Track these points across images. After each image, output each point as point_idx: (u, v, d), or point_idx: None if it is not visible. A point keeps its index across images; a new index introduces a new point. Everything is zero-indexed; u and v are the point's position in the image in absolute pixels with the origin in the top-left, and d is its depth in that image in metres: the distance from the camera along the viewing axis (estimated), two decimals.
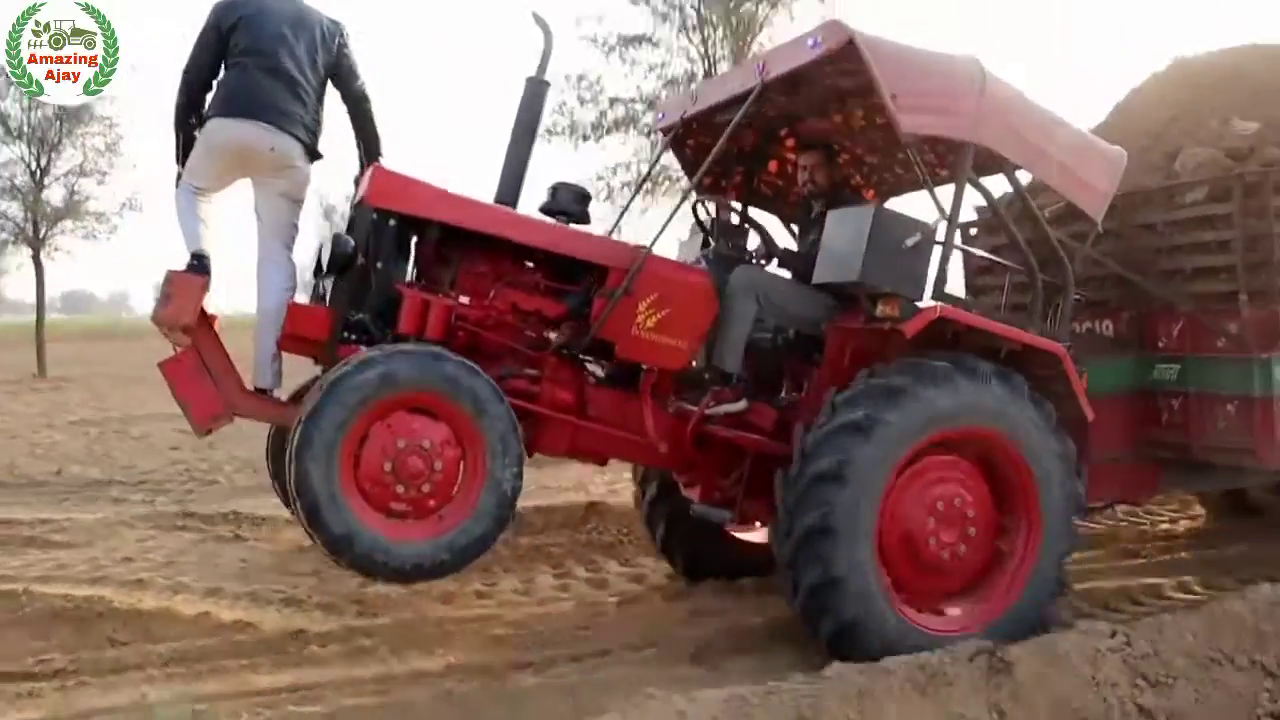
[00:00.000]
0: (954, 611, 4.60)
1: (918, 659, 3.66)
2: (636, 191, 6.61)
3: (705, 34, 20.02)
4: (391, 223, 4.35)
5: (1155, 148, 6.16)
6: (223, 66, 4.71)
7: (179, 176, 4.77)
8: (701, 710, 3.31)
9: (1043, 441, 4.53)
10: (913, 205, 6.20)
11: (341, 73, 4.94)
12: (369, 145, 4.99)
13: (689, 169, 5.98)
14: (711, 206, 5.52)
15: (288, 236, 4.82)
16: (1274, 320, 5.25)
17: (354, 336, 4.34)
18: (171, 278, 4.35)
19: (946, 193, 4.77)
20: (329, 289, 4.56)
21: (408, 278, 4.58)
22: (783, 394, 5.17)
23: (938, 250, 4.58)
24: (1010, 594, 4.53)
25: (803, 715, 3.35)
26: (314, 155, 4.83)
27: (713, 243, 5.35)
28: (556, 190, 4.87)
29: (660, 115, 6.11)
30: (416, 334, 4.25)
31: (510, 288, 4.61)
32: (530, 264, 4.75)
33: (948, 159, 5.44)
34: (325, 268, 4.31)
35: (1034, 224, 4.95)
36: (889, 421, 4.22)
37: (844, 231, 4.69)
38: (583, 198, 4.88)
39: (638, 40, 20.06)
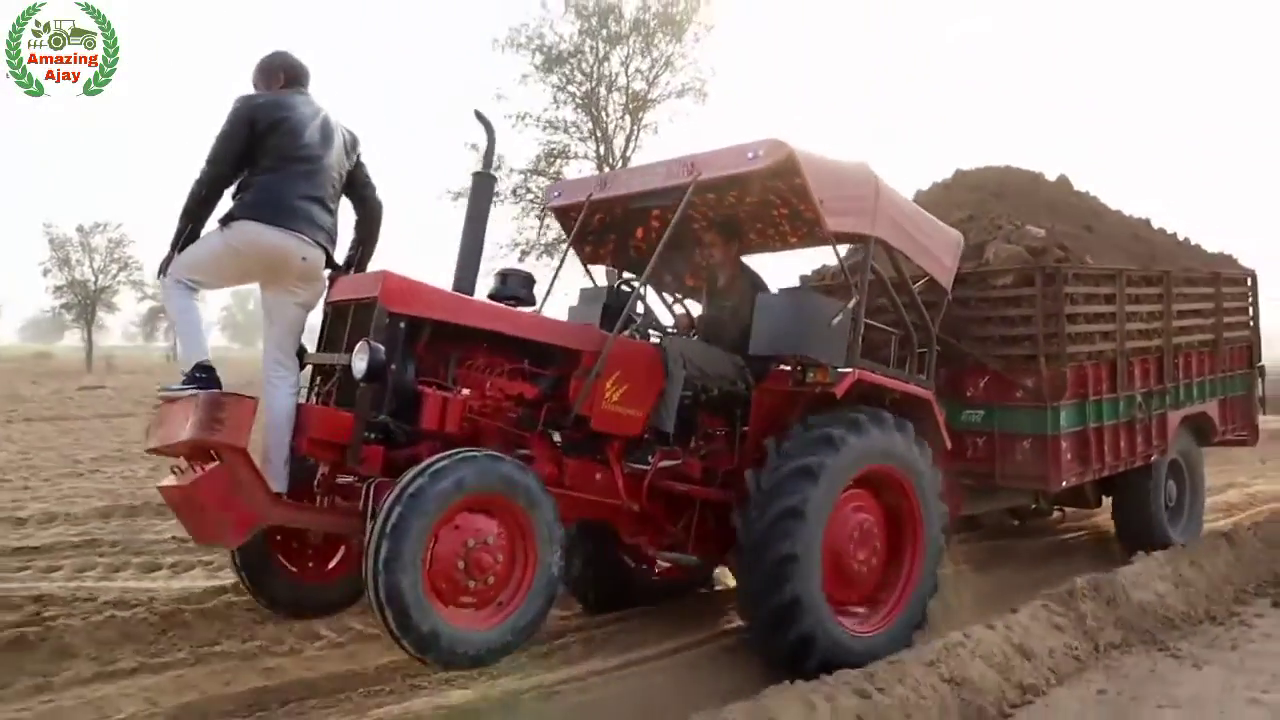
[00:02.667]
0: (863, 614, 5.62)
1: None
2: (561, 265, 7.40)
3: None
4: (403, 325, 4.56)
5: None
6: (250, 165, 4.68)
7: (167, 263, 4.65)
8: None
9: (926, 473, 5.80)
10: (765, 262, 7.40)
11: (359, 182, 5.18)
12: (368, 251, 5.33)
13: (578, 241, 6.71)
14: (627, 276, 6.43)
15: (297, 342, 5.01)
16: (1062, 378, 7.03)
17: (373, 436, 4.49)
18: (219, 401, 4.23)
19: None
20: (334, 392, 4.83)
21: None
22: (692, 444, 5.83)
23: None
24: (903, 597, 5.72)
25: None
26: (333, 265, 5.04)
27: (631, 312, 6.07)
28: (506, 277, 5.31)
29: (556, 193, 6.67)
30: (439, 430, 4.52)
31: (499, 376, 4.96)
32: (511, 353, 5.08)
33: (800, 230, 6.88)
34: (363, 376, 4.33)
35: (908, 296, 6.20)
36: (829, 466, 5.18)
37: (782, 311, 5.64)
38: (529, 282, 5.34)
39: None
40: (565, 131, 30.84)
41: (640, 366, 5.30)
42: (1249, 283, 9.66)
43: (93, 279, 59.67)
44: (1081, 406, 7.24)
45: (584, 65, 30.48)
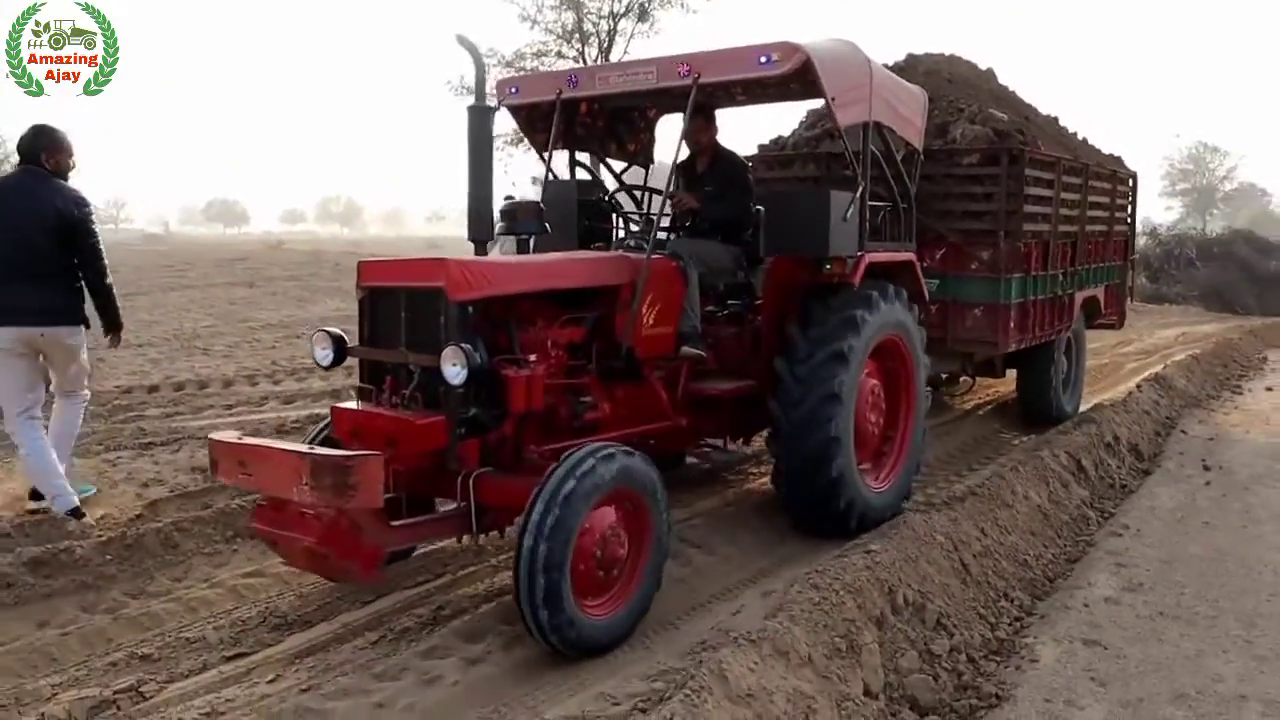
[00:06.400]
0: (872, 469, 6.00)
1: None
2: (549, 171, 6.96)
3: None
4: (470, 310, 4.33)
5: None
6: None
7: None
8: None
9: (916, 333, 6.23)
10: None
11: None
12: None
13: (544, 139, 6.31)
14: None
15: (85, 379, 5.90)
16: (1017, 252, 7.61)
17: (463, 430, 4.29)
18: (344, 465, 3.67)
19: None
20: (396, 390, 4.43)
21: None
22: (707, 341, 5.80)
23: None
24: (903, 449, 6.19)
25: None
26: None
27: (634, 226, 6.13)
28: (514, 213, 5.02)
29: (513, 90, 6.29)
30: (527, 410, 4.38)
31: (554, 329, 4.83)
32: (559, 302, 4.94)
33: (755, 94, 6.70)
34: (463, 383, 4.11)
35: (895, 168, 6.37)
36: (855, 346, 5.47)
37: (797, 212, 5.70)
38: (537, 212, 5.05)
39: None
40: (547, 30, 29.82)
41: (666, 282, 5.26)
42: (1130, 183, 10.55)
43: None
44: (1025, 280, 7.87)
45: None
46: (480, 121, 4.54)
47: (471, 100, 4.63)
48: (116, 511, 5.78)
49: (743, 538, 5.64)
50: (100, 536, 5.23)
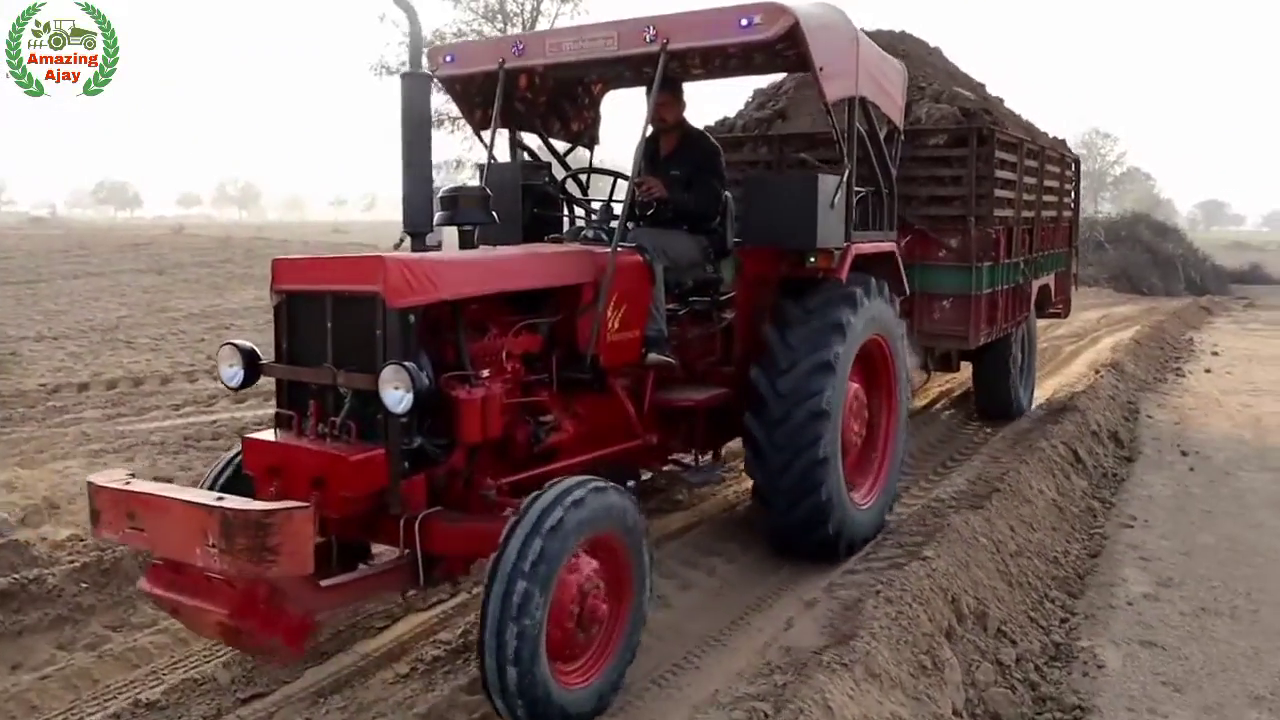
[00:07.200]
0: (853, 485, 5.33)
1: None
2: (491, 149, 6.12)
3: None
4: (412, 319, 3.55)
5: None
6: None
7: None
8: None
9: (898, 333, 5.64)
10: None
11: None
12: None
13: (482, 115, 5.66)
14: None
15: None
16: (988, 239, 7.18)
17: (408, 466, 3.52)
18: (262, 521, 2.92)
19: None
20: (321, 416, 3.60)
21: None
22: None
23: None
24: (885, 457, 5.60)
25: None
26: None
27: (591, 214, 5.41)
28: (455, 202, 4.21)
29: (448, 58, 5.49)
30: (482, 438, 3.68)
31: (506, 337, 4.08)
32: (512, 305, 4.22)
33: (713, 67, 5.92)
34: (406, 410, 3.35)
35: (877, 148, 5.66)
36: (842, 354, 4.87)
37: (784, 199, 5.04)
38: (484, 200, 4.26)
39: None
40: (469, 8, 28.72)
41: (632, 281, 4.57)
42: (1074, 167, 10.48)
43: None
44: (994, 269, 7.45)
45: None
46: (416, 91, 3.80)
47: (398, 77, 3.89)
48: (83, 531, 4.98)
49: (731, 549, 5.22)
50: (72, 562, 4.60)
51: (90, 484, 3.30)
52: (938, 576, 4.04)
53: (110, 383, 9.45)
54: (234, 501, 3.04)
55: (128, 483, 3.26)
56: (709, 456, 5.44)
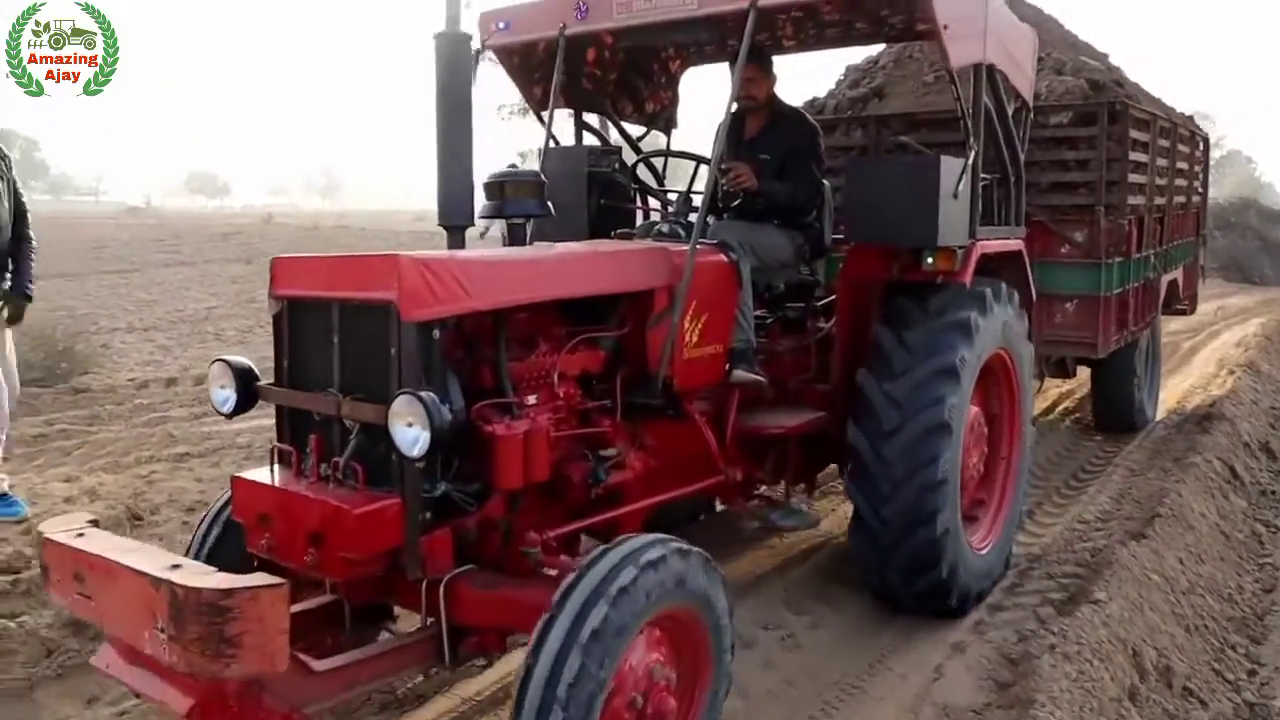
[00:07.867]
0: (975, 522, 4.62)
1: None
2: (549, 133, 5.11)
3: None
4: (436, 334, 2.89)
5: None
6: None
7: None
8: None
9: (1025, 353, 4.78)
10: None
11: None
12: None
13: (542, 91, 5.01)
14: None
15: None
16: (1121, 231, 6.30)
17: (429, 517, 2.86)
18: (224, 605, 2.23)
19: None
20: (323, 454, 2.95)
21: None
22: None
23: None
24: (1005, 499, 4.76)
25: None
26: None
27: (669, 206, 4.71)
28: (502, 189, 3.55)
29: (502, 25, 4.77)
30: (525, 483, 3.02)
31: (557, 354, 3.39)
32: (565, 314, 3.54)
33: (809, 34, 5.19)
34: (425, 454, 2.65)
35: (1006, 127, 4.83)
36: (969, 359, 4.13)
37: (898, 187, 4.28)
38: (538, 188, 3.60)
39: None
40: None
41: (714, 284, 3.88)
42: (1202, 147, 9.32)
43: None
44: (1125, 265, 6.55)
45: None
46: (453, 54, 3.16)
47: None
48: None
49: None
50: None
51: (40, 533, 2.68)
52: (1114, 625, 3.48)
53: (198, 378, 9.18)
54: (190, 571, 2.35)
55: (81, 533, 2.60)
56: (800, 489, 4.69)
